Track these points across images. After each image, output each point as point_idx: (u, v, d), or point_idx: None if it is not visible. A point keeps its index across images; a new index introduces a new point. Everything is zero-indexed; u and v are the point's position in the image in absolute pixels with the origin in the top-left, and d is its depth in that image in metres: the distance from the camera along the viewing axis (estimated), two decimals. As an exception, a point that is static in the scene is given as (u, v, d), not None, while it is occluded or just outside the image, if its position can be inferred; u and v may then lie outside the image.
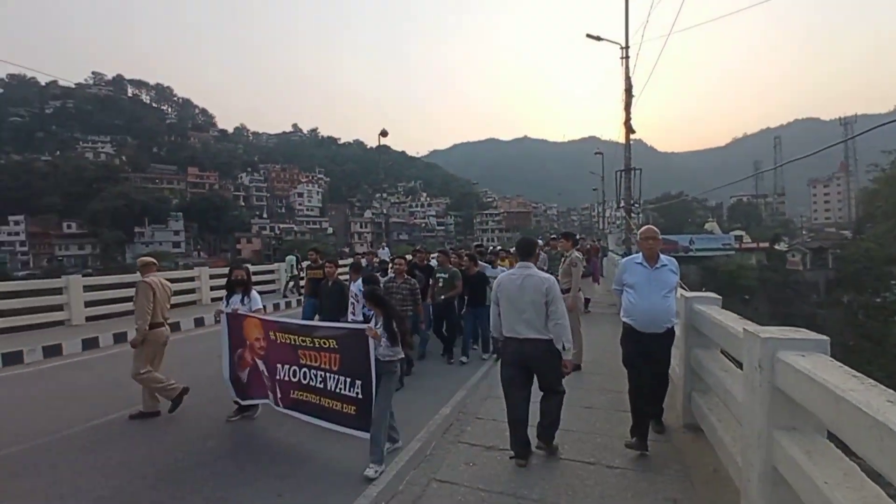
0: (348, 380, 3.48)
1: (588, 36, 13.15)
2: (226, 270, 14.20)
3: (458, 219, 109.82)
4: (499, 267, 7.31)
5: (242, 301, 4.59)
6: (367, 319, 4.26)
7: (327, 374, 3.62)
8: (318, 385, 3.69)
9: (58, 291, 9.58)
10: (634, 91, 12.37)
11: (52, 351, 7.49)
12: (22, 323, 8.67)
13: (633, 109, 12.27)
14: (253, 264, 17.76)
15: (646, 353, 3.41)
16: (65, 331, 8.80)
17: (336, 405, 3.57)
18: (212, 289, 12.66)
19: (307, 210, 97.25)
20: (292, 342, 3.84)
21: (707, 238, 54.99)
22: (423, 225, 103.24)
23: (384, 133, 21.05)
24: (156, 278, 4.91)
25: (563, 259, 6.36)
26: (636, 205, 13.60)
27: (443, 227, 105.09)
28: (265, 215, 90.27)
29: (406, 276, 6.26)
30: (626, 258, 3.65)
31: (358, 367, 3.43)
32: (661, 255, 3.54)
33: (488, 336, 6.85)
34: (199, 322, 10.07)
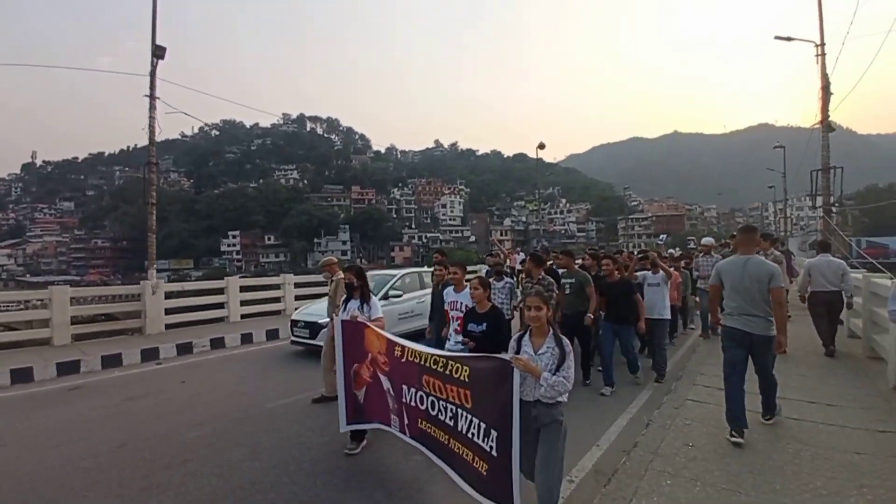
0: (483, 425, 2.56)
1: (777, 38, 12.22)
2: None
3: (601, 224, 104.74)
4: (660, 272, 6.05)
5: (361, 308, 4.02)
6: (469, 340, 3.67)
7: (459, 410, 2.74)
8: (447, 421, 2.83)
9: (219, 291, 10.58)
10: (836, 89, 10.99)
11: (217, 343, 8.33)
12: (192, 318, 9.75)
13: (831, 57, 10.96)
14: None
15: None
16: (225, 326, 9.70)
17: (467, 454, 2.69)
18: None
19: (450, 220, 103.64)
20: (421, 361, 3.03)
21: (935, 240, 43.05)
22: (563, 231, 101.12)
23: (542, 146, 22.06)
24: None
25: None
26: (836, 205, 12.05)
27: (584, 234, 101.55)
28: (413, 226, 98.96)
29: (542, 275, 5.60)
30: None
31: (493, 412, 2.51)
32: None
33: (635, 356, 5.69)
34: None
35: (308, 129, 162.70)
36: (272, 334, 9.09)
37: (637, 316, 5.52)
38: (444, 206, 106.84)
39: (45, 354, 7.11)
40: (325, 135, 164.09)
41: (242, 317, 10.60)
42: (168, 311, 9.44)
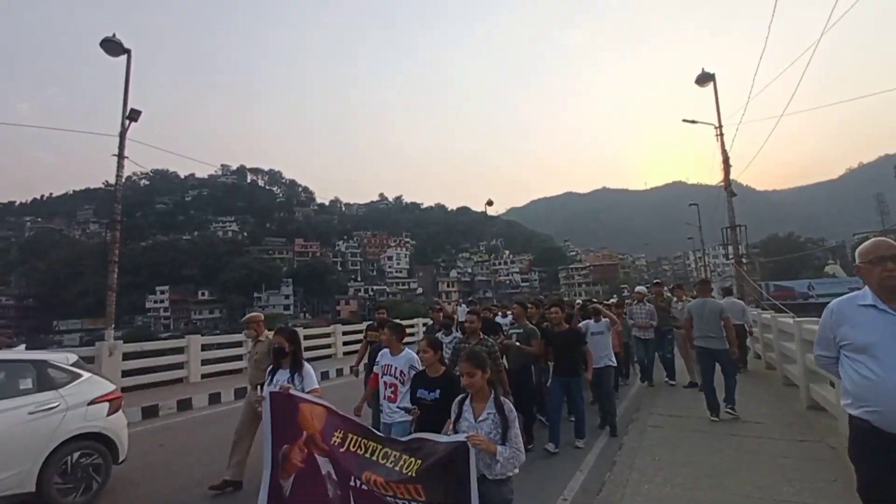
0: None
1: (684, 120, 14.43)
2: (358, 327, 15.63)
3: (543, 274, 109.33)
4: (603, 320, 6.02)
5: (292, 378, 3.50)
6: (415, 408, 3.17)
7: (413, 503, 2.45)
8: None
9: (179, 351, 10.24)
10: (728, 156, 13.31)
11: (184, 405, 8.08)
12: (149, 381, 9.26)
13: (724, 148, 13.22)
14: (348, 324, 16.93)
15: None
16: (185, 387, 9.31)
17: None
18: (343, 344, 14.25)
19: (396, 272, 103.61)
20: (366, 454, 2.65)
21: (829, 282, 49.52)
22: (508, 282, 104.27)
23: (490, 203, 23.63)
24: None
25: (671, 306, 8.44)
26: (744, 257, 14.07)
27: (527, 283, 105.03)
28: (359, 278, 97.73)
29: (482, 335, 4.90)
30: (838, 300, 2.24)
31: (449, 496, 2.32)
32: None
33: (583, 415, 5.30)
34: (340, 372, 11.41)
35: (249, 180, 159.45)
36: (240, 393, 8.70)
37: (586, 366, 5.35)
38: (390, 258, 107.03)
39: None
40: (267, 187, 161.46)
41: (203, 376, 10.22)
42: (125, 374, 8.99)
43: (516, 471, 2.35)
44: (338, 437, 2.80)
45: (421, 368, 3.53)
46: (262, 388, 4.07)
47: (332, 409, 2.94)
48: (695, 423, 5.59)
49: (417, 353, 3.38)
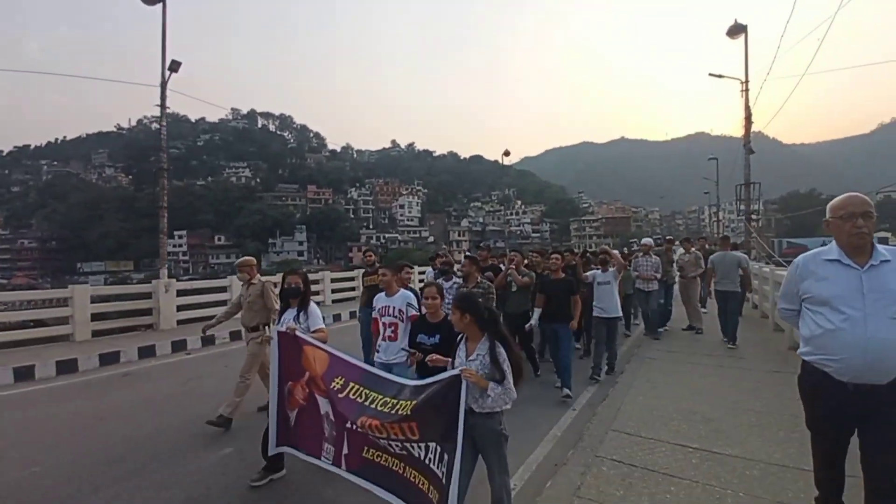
0: (439, 448, 2.40)
1: (710, 75, 13.84)
2: (346, 274, 15.57)
3: (554, 225, 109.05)
4: (610, 270, 5.98)
5: (298, 318, 3.57)
6: (416, 352, 3.18)
7: (407, 443, 2.52)
8: (399, 451, 2.58)
9: (223, 289, 10.90)
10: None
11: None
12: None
13: (752, 100, 13.02)
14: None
15: (858, 417, 2.11)
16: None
17: (423, 483, 2.47)
18: (332, 291, 14.21)
19: (408, 220, 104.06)
20: (365, 400, 2.73)
21: (845, 240, 48.85)
22: (519, 232, 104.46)
23: (507, 153, 23.44)
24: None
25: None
26: (756, 213, 14.20)
27: (538, 234, 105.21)
28: (371, 226, 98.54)
29: (479, 278, 5.10)
30: (804, 255, 2.31)
31: (439, 429, 2.38)
32: (880, 246, 2.13)
33: (569, 363, 5.22)
34: (336, 318, 11.39)
35: (259, 125, 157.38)
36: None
37: (571, 316, 5.30)
38: (401, 206, 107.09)
39: (76, 348, 7.49)
40: (278, 132, 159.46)
41: (179, 323, 10.39)
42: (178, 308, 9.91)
43: (507, 406, 2.41)
44: (338, 382, 2.88)
45: (417, 308, 3.72)
46: (269, 329, 4.55)
47: (335, 355, 3.03)
48: (687, 357, 6.50)
49: (425, 300, 3.31)
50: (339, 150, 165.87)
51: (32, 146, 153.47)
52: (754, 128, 13.54)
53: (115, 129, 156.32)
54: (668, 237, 10.10)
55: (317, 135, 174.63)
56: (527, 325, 5.41)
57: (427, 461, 2.44)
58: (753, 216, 13.87)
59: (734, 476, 3.09)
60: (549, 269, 5.66)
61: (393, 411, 2.54)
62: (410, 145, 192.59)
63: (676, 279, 8.78)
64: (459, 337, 2.64)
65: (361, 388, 2.78)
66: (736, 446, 3.53)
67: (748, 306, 10.38)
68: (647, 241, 8.86)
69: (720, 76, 13.95)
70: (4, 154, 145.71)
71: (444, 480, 2.29)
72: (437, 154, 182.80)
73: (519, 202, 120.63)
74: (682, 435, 3.77)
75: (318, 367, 3.03)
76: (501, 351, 2.43)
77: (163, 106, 10.19)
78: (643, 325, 8.41)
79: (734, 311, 7.16)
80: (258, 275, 4.96)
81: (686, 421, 4.07)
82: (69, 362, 6.76)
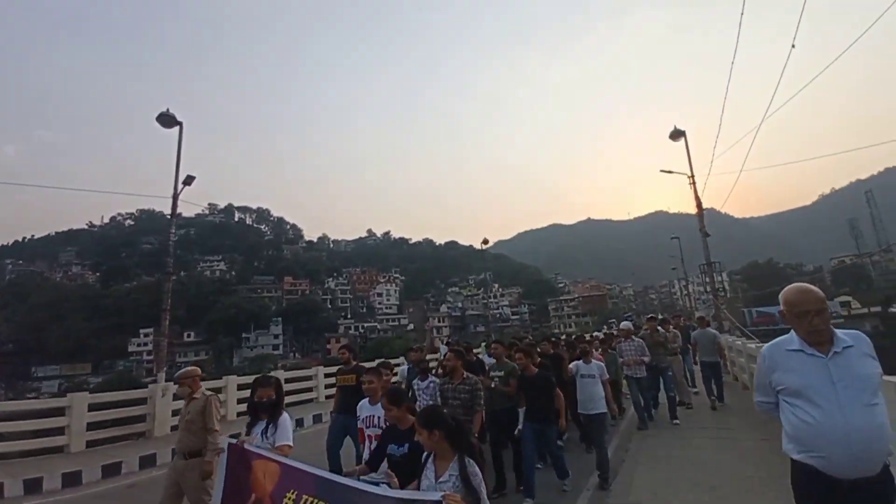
0: None
1: (662, 171, 15.74)
2: (328, 370, 13.70)
3: (533, 307, 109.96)
4: (594, 362, 5.69)
5: (266, 432, 3.31)
6: (393, 476, 2.75)
7: None
8: None
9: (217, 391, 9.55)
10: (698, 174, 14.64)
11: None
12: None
13: (700, 182, 14.52)
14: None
15: None
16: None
17: None
18: (325, 387, 13.17)
19: (386, 308, 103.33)
20: None
21: (809, 308, 51.03)
22: (498, 315, 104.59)
23: (486, 241, 24.53)
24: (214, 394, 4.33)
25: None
26: (721, 291, 15.28)
27: (517, 317, 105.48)
28: (349, 316, 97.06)
29: (465, 373, 4.70)
30: (769, 345, 2.33)
31: None
32: (839, 332, 2.14)
33: (561, 456, 5.04)
34: (318, 419, 10.64)
35: (236, 219, 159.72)
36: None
37: (557, 412, 4.99)
38: (379, 294, 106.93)
39: (75, 460, 7.31)
40: (255, 225, 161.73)
41: (238, 414, 10.35)
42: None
43: None
44: (290, 497, 2.58)
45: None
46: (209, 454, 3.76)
47: (287, 465, 2.74)
48: (682, 432, 7.10)
49: (383, 408, 3.04)
50: (315, 240, 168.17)
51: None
52: (708, 204, 15.02)
53: (86, 227, 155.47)
54: (649, 315, 9.97)
55: (293, 226, 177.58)
56: (516, 431, 4.95)
57: None
58: (720, 291, 14.85)
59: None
60: (517, 366, 5.16)
61: None
62: (386, 233, 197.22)
63: (670, 361, 8.25)
64: (425, 455, 2.39)
65: (317, 501, 2.45)
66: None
67: (729, 378, 10.77)
68: (625, 325, 8.42)
69: (670, 172, 15.71)
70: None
71: None
72: (412, 241, 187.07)
73: (496, 285, 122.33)
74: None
75: (268, 483, 2.71)
76: (476, 470, 2.23)
77: (173, 215, 10.80)
78: (638, 422, 7.51)
79: (718, 377, 8.89)
80: (202, 388, 4.27)
81: (691, 491, 4.44)
82: (74, 475, 6.70)
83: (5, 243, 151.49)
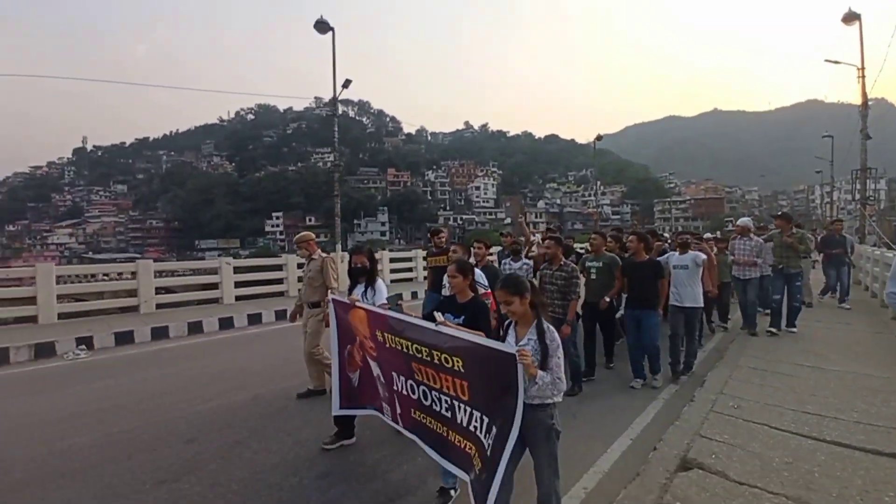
0: (486, 419, 2.28)
1: (827, 61, 13.37)
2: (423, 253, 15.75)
3: (636, 207, 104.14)
4: (690, 253, 5.26)
5: (365, 294, 3.68)
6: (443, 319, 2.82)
7: (455, 402, 2.47)
8: (443, 412, 2.57)
9: (279, 268, 11.68)
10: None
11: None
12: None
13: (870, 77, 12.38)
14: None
15: None
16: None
17: (469, 447, 2.39)
18: (423, 269, 13.82)
19: (483, 202, 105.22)
20: (404, 349, 2.76)
21: None
22: (598, 214, 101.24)
23: (599, 137, 23.54)
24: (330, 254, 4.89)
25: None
26: (871, 199, 13.69)
27: (618, 216, 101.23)
28: (448, 208, 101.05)
29: (563, 260, 4.69)
30: None
31: (494, 408, 2.24)
32: None
33: (657, 350, 4.92)
34: (414, 295, 11.82)
35: (340, 112, 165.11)
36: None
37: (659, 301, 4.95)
38: (477, 188, 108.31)
39: (227, 309, 9.21)
40: (357, 118, 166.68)
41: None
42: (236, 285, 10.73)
43: (558, 399, 2.23)
44: (380, 335, 2.98)
45: (487, 287, 3.79)
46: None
47: (371, 310, 3.15)
48: (797, 342, 6.26)
49: (449, 278, 3.10)
50: (413, 132, 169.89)
51: (151, 138, 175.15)
52: (880, 94, 12.91)
53: (217, 121, 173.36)
54: (780, 213, 8.29)
55: (392, 119, 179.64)
56: (617, 314, 5.13)
57: (472, 428, 2.35)
58: (870, 200, 13.41)
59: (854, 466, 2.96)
60: (629, 251, 5.15)
61: (437, 361, 2.51)
62: (484, 126, 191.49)
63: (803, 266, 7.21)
64: (508, 322, 2.47)
65: (400, 339, 2.80)
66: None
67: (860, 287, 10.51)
68: (743, 221, 7.54)
69: (836, 62, 13.38)
70: (127, 146, 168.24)
71: (488, 452, 2.17)
72: (511, 134, 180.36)
73: (598, 182, 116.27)
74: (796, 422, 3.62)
75: (363, 327, 3.18)
76: (554, 336, 2.27)
77: (334, 115, 12.54)
78: (743, 322, 7.13)
79: (844, 273, 8.95)
80: (318, 250, 4.86)
81: (792, 403, 3.99)
82: (227, 320, 8.54)
83: (157, 136, 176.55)
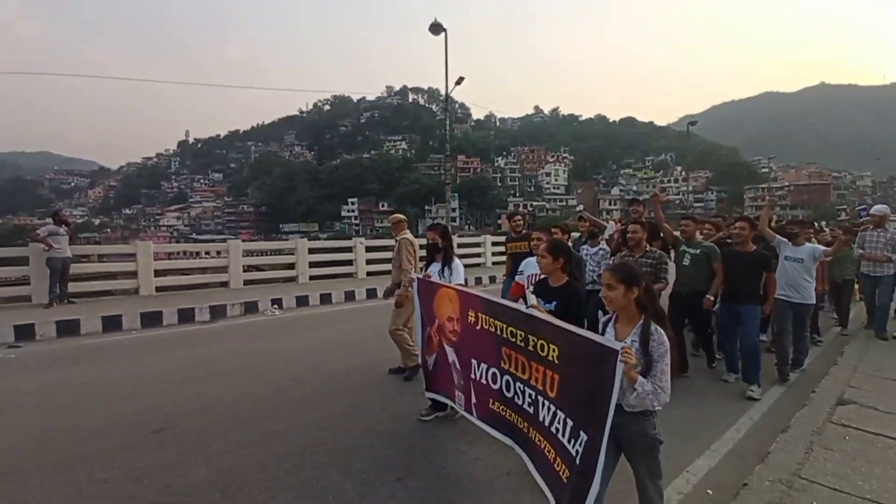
0: (570, 422, 2.05)
1: None
2: (496, 238, 15.64)
3: (722, 194, 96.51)
4: (807, 245, 4.74)
5: (442, 272, 3.74)
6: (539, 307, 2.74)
7: (540, 398, 2.27)
8: (525, 407, 2.38)
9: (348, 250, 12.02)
10: None
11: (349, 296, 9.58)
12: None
13: None
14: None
15: None
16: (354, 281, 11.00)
17: (549, 450, 2.19)
18: (493, 254, 14.90)
19: (554, 188, 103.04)
20: (497, 331, 2.56)
21: None
22: (679, 202, 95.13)
23: (693, 123, 22.44)
24: (411, 236, 4.83)
25: None
26: None
27: (702, 204, 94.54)
28: (518, 194, 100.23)
29: (650, 246, 4.43)
30: None
31: (582, 410, 2.01)
32: None
33: (758, 352, 4.36)
34: (492, 279, 12.11)
35: (410, 100, 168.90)
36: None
37: (766, 296, 4.44)
38: (547, 174, 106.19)
39: (301, 288, 9.80)
40: (427, 105, 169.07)
41: (368, 274, 11.80)
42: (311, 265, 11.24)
43: (658, 407, 1.98)
44: (472, 315, 2.81)
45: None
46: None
47: (462, 290, 3.05)
48: None
49: (539, 258, 2.95)
50: (482, 118, 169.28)
51: (241, 130, 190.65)
52: None
53: (297, 113, 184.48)
54: None
55: (461, 105, 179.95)
56: (715, 306, 4.65)
57: (554, 430, 2.13)
58: None
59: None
60: (733, 239, 4.63)
61: (531, 348, 2.30)
62: (554, 110, 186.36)
63: None
64: (608, 317, 2.24)
65: (489, 318, 2.65)
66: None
67: None
68: (880, 208, 6.51)
69: None
70: (222, 137, 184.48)
71: (577, 461, 1.95)
72: (583, 118, 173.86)
73: (678, 168, 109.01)
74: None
75: (453, 307, 3.04)
76: (662, 339, 1.99)
77: (447, 110, 13.72)
78: (867, 322, 6.50)
79: None
80: (403, 232, 4.88)
81: None
82: (302, 298, 9.02)
83: (246, 129, 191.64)
